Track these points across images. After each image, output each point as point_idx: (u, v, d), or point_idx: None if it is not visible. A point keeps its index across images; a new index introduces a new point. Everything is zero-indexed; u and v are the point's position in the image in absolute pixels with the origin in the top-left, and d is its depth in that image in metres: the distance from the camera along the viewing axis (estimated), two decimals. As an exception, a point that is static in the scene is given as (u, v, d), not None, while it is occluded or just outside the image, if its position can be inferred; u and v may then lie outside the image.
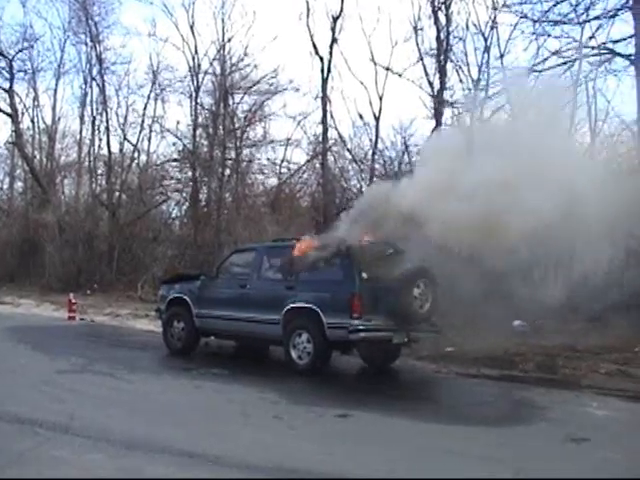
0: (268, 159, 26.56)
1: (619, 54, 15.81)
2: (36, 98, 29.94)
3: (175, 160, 27.44)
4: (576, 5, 15.86)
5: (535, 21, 16.82)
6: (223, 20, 25.12)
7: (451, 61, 19.46)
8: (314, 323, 10.51)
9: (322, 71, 22.65)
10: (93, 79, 27.94)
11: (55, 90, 29.68)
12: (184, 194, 27.27)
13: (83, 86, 28.47)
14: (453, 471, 6.12)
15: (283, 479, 5.80)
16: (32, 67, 29.18)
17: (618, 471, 6.37)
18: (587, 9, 15.99)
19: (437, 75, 19.52)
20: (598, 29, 16.15)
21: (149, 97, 27.44)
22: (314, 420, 7.98)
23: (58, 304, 20.15)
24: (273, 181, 26.66)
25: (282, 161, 26.36)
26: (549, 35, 16.71)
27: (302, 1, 24.93)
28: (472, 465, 6.34)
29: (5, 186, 33.44)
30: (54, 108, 29.95)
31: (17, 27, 36.00)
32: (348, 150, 23.45)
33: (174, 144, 27.32)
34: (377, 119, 21.64)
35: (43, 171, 29.52)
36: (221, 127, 25.53)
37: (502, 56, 18.20)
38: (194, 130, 26.20)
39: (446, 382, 11.41)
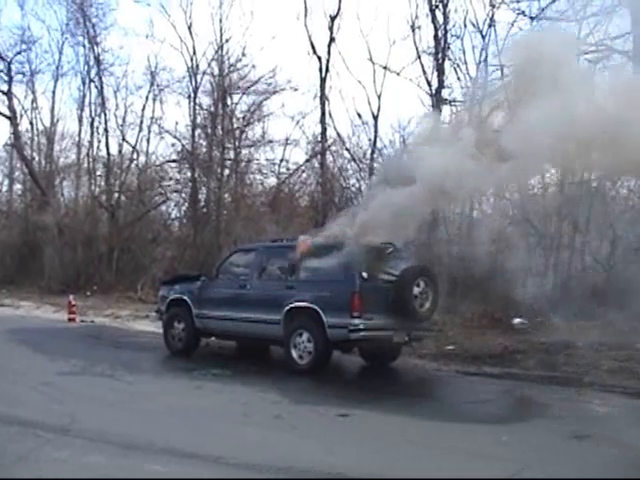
0: (267, 159, 26.48)
1: (617, 50, 15.79)
2: (34, 100, 29.80)
3: (174, 161, 27.36)
4: (573, 2, 15.90)
5: (532, 18, 16.91)
6: (221, 20, 25.05)
7: (449, 59, 19.48)
8: (315, 323, 10.49)
9: (320, 70, 22.63)
10: (91, 80, 27.89)
11: (53, 92, 29.54)
12: (183, 195, 27.22)
13: (81, 88, 28.37)
14: (455, 469, 6.11)
15: (284, 479, 5.79)
16: (30, 69, 29.05)
17: (620, 468, 6.36)
18: (584, 6, 16.00)
19: (435, 73, 19.52)
20: (596, 26, 16.17)
21: (147, 98, 27.33)
22: (315, 419, 7.97)
23: (58, 306, 20.11)
24: (272, 181, 26.57)
25: (281, 161, 26.26)
26: (547, 32, 16.73)
27: (300, 1, 24.86)
28: (474, 463, 6.33)
29: (4, 188, 33.29)
30: (52, 110, 29.79)
31: (15, 29, 36.03)
32: (347, 149, 23.39)
33: (173, 145, 27.23)
34: (375, 118, 21.60)
35: (42, 173, 29.44)
36: (220, 127, 25.49)
37: (500, 54, 18.21)
38: (193, 130, 26.14)
39: (447, 380, 11.42)
